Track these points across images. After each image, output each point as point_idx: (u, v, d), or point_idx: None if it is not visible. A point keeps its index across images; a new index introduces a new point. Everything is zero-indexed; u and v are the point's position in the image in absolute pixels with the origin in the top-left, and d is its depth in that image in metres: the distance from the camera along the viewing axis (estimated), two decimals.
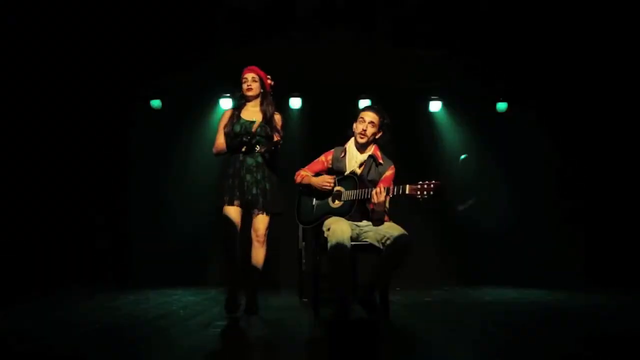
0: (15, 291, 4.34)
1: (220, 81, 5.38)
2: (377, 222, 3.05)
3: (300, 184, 3.31)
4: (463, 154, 5.76)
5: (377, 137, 3.21)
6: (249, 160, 3.21)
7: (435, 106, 5.69)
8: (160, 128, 5.53)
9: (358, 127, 3.18)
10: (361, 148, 3.21)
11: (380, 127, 3.19)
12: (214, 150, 3.37)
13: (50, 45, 4.92)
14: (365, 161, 3.19)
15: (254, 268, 3.25)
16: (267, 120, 3.24)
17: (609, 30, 4.79)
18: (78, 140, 5.44)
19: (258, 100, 3.34)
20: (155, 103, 5.53)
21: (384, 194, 2.91)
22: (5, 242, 4.93)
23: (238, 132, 3.21)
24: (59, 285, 4.77)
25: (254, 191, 3.18)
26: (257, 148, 3.21)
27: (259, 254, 3.24)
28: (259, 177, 3.20)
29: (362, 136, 3.16)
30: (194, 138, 5.61)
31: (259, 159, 3.22)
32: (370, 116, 3.17)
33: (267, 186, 3.21)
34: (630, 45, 4.88)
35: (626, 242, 5.26)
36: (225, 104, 5.50)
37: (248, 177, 3.19)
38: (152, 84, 5.47)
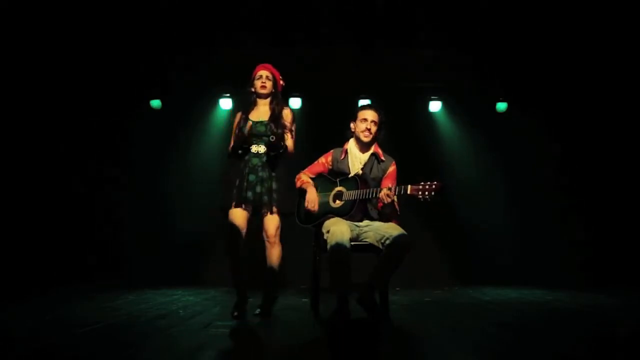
0: (15, 291, 4.33)
1: (220, 81, 5.39)
2: (386, 221, 3.08)
3: (299, 188, 3.33)
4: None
5: (377, 135, 3.22)
6: (254, 160, 3.13)
7: (435, 106, 5.68)
8: (160, 128, 5.53)
9: (360, 126, 3.17)
10: (363, 147, 3.22)
11: (381, 124, 3.20)
12: (228, 152, 3.26)
13: (51, 46, 4.92)
14: (367, 160, 3.20)
15: (270, 270, 3.15)
16: (275, 117, 3.15)
17: (608, 29, 4.79)
18: (78, 140, 5.45)
19: (268, 100, 3.23)
20: (155, 103, 5.53)
21: (392, 193, 2.91)
22: (5, 242, 4.93)
23: (245, 134, 3.12)
24: (59, 285, 4.77)
25: (258, 190, 3.09)
26: (260, 148, 3.12)
27: (272, 254, 3.14)
28: (264, 176, 3.11)
29: (366, 135, 3.16)
30: (194, 138, 5.61)
31: (264, 159, 3.13)
32: (371, 115, 3.17)
33: (274, 185, 3.11)
34: (630, 44, 4.88)
35: (626, 242, 5.27)
36: (225, 104, 5.50)
37: (251, 177, 3.10)
38: (152, 84, 5.46)
